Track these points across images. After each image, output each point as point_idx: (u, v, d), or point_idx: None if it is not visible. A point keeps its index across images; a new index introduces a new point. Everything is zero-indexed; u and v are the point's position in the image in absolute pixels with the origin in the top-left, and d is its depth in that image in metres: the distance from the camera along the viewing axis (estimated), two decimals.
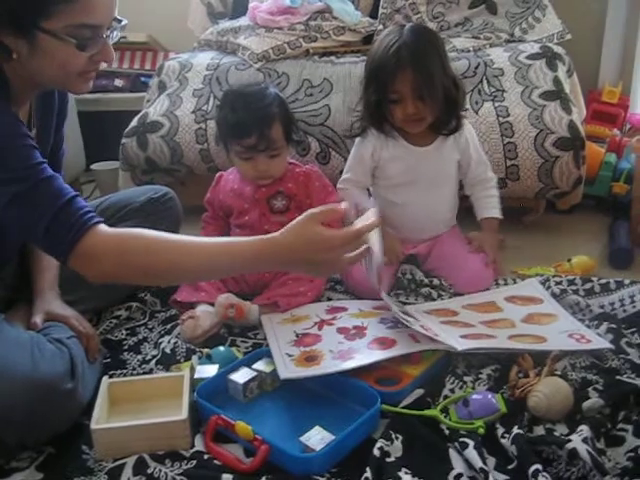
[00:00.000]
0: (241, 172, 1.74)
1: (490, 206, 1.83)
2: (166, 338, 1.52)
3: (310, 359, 1.35)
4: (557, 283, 1.69)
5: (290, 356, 1.36)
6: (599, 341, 1.42)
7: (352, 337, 1.42)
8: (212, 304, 1.60)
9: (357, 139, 1.81)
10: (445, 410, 1.24)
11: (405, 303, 1.67)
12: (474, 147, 1.80)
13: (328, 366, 1.31)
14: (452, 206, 1.85)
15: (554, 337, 1.43)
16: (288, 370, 1.31)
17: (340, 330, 1.46)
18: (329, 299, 1.71)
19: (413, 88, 1.61)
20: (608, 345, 1.39)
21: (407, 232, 1.82)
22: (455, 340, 1.37)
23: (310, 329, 1.49)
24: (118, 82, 2.91)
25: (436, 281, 1.75)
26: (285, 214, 1.73)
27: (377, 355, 1.33)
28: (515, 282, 1.75)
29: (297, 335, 1.47)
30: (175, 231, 1.74)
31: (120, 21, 1.21)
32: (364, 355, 1.33)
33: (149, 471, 1.12)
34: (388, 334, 1.40)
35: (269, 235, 1.18)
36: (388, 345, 1.36)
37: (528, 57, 2.16)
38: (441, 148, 1.76)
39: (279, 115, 1.66)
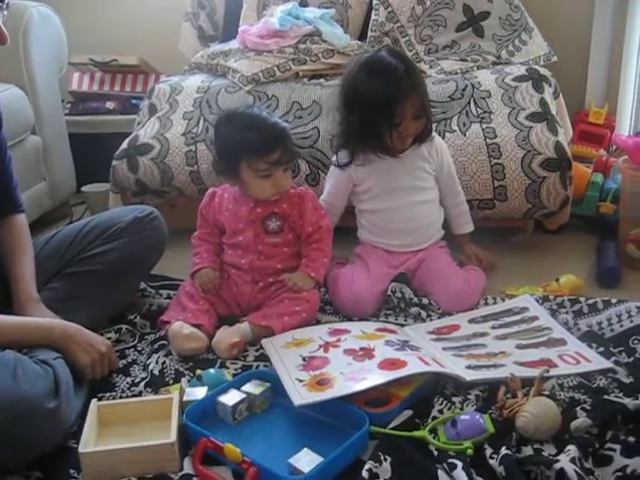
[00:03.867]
0: (255, 192, 1.71)
1: (463, 222, 1.96)
2: (154, 357, 1.52)
3: (322, 382, 1.32)
4: (546, 303, 1.70)
5: (301, 381, 1.34)
6: (599, 361, 1.43)
7: (361, 358, 1.41)
8: (198, 326, 1.60)
9: (333, 162, 1.88)
10: (434, 431, 1.24)
11: (400, 324, 1.68)
12: (447, 162, 1.89)
13: (342, 388, 1.29)
14: (434, 212, 1.89)
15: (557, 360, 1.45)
16: (302, 396, 1.28)
17: (347, 352, 1.45)
18: (318, 321, 1.71)
19: (414, 110, 1.72)
20: (609, 365, 1.40)
21: (394, 240, 1.85)
22: (461, 370, 1.38)
23: (316, 352, 1.47)
24: (109, 104, 2.92)
25: (425, 300, 1.76)
26: (279, 235, 1.74)
27: (390, 375, 1.31)
28: (504, 302, 1.76)
29: (304, 359, 1.44)
30: (161, 248, 1.78)
31: (2, 0, 1.22)
32: (377, 375, 1.32)
33: None
34: (398, 355, 1.39)
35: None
36: (399, 366, 1.34)
37: (514, 79, 2.19)
38: (413, 156, 1.82)
39: (288, 129, 1.73)
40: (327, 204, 1.89)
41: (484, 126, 2.05)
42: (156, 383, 1.43)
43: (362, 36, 2.62)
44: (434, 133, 1.87)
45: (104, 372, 1.45)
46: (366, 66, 1.74)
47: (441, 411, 1.30)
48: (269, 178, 1.67)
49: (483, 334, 1.60)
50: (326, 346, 1.49)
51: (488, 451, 1.16)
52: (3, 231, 1.57)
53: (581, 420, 1.20)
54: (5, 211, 1.59)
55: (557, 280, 1.83)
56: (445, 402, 1.32)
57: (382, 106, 1.69)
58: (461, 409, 1.30)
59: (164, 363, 1.50)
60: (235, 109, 1.79)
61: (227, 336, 1.58)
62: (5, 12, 1.25)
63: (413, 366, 1.34)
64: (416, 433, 1.23)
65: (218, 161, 1.77)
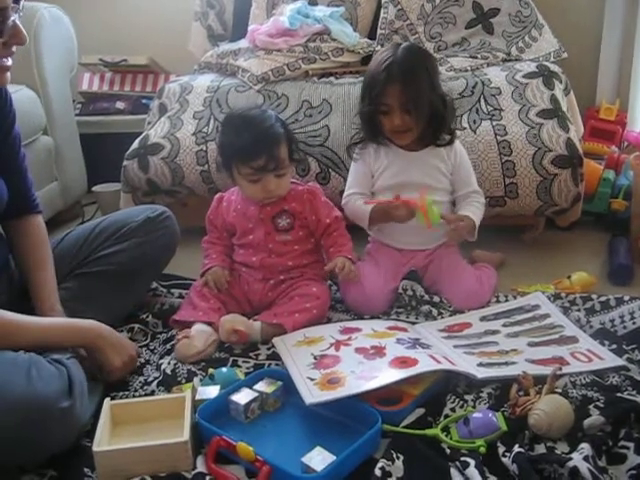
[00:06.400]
0: (247, 194, 1.72)
1: (469, 210, 1.80)
2: (166, 359, 1.53)
3: (333, 381, 1.32)
4: (558, 300, 1.70)
5: (312, 380, 1.34)
6: (612, 358, 1.43)
7: (372, 356, 1.40)
8: (209, 324, 1.61)
9: (354, 158, 1.87)
10: (446, 429, 1.24)
11: (411, 322, 1.68)
12: (465, 167, 1.85)
13: (353, 387, 1.29)
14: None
15: (569, 358, 1.44)
16: (313, 395, 1.28)
17: (358, 350, 1.45)
18: (329, 319, 1.71)
19: (400, 102, 1.70)
20: (622, 362, 1.40)
21: (401, 237, 1.83)
22: (473, 368, 1.38)
23: (327, 350, 1.47)
24: (119, 104, 2.93)
25: (436, 298, 1.76)
26: (290, 232, 1.74)
27: (401, 373, 1.31)
28: (515, 299, 1.76)
29: (315, 357, 1.44)
30: (172, 248, 1.78)
31: (18, 1, 1.24)
32: (388, 374, 1.32)
33: None
34: (409, 354, 1.39)
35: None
36: (410, 364, 1.34)
37: (525, 76, 2.18)
38: (430, 155, 1.81)
39: (283, 135, 1.69)
40: (355, 195, 1.85)
41: (494, 123, 2.05)
42: (169, 382, 1.44)
43: (371, 34, 2.62)
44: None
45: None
46: (377, 54, 1.80)
47: (453, 409, 1.30)
48: (257, 183, 1.67)
49: (495, 332, 1.60)
50: (337, 344, 1.49)
51: (501, 449, 1.16)
52: (21, 233, 1.54)
53: (594, 418, 1.20)
54: (22, 211, 1.56)
55: (569, 277, 1.83)
56: (457, 400, 1.32)
57: (370, 87, 1.73)
58: (473, 407, 1.30)
59: (176, 363, 1.50)
60: (236, 111, 1.77)
61: (234, 321, 1.60)
62: (21, 13, 1.26)
63: (424, 364, 1.34)
64: (428, 431, 1.23)
65: (217, 158, 1.79)
